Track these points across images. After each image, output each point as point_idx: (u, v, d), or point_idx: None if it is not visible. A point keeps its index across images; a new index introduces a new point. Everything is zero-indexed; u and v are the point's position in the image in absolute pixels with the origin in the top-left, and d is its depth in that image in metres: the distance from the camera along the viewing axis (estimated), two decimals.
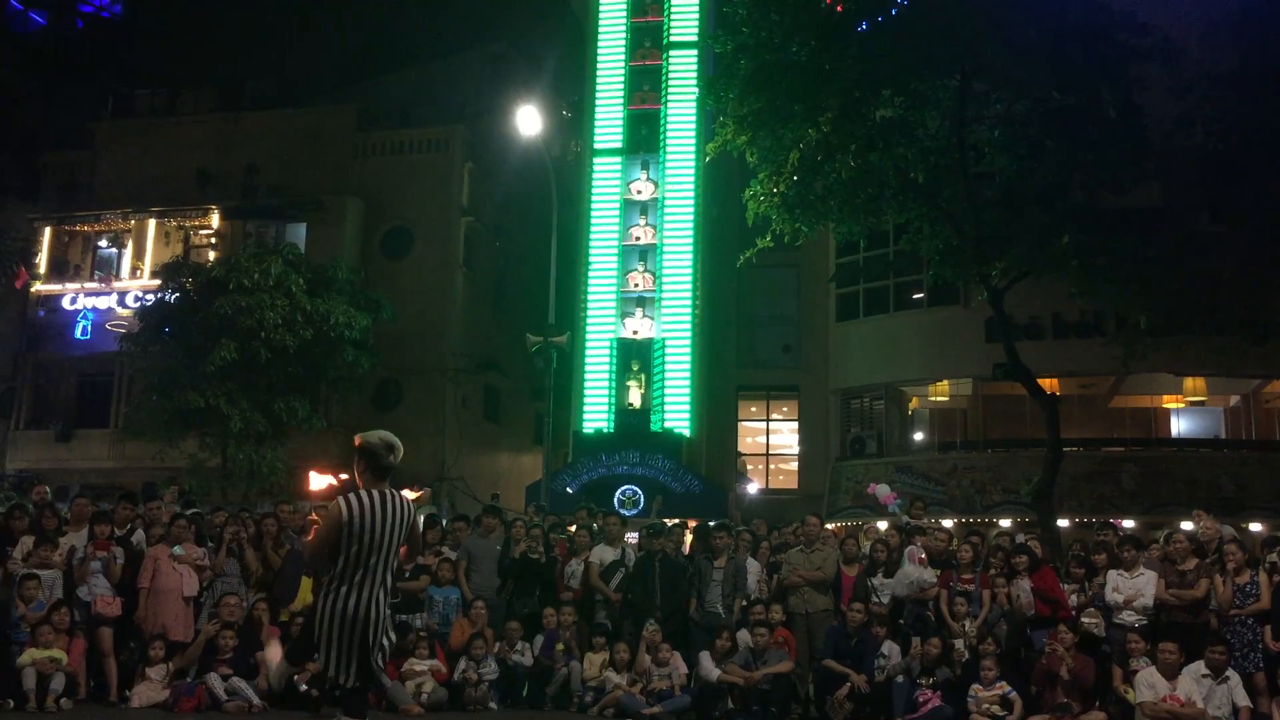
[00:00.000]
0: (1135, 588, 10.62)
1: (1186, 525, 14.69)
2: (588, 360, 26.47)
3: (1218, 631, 10.25)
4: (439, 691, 10.88)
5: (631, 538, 13.43)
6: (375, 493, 5.96)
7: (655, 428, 25.86)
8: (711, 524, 13.79)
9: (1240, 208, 17.79)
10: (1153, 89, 16.06)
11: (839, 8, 16.09)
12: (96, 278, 29.06)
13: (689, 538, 13.47)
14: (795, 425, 28.29)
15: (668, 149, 27.13)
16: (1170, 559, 10.85)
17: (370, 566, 5.86)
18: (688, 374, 26.24)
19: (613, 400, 26.28)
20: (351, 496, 5.93)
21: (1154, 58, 15.68)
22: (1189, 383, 24.23)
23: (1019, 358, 16.83)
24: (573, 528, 13.34)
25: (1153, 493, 22.41)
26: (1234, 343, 17.07)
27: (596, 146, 27.67)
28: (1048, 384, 19.03)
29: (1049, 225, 16.01)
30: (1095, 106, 15.34)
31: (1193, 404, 25.44)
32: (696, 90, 25.00)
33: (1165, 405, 25.86)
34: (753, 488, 23.03)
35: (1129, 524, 20.62)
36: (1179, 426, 26.17)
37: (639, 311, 26.58)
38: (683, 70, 27.29)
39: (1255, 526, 20.97)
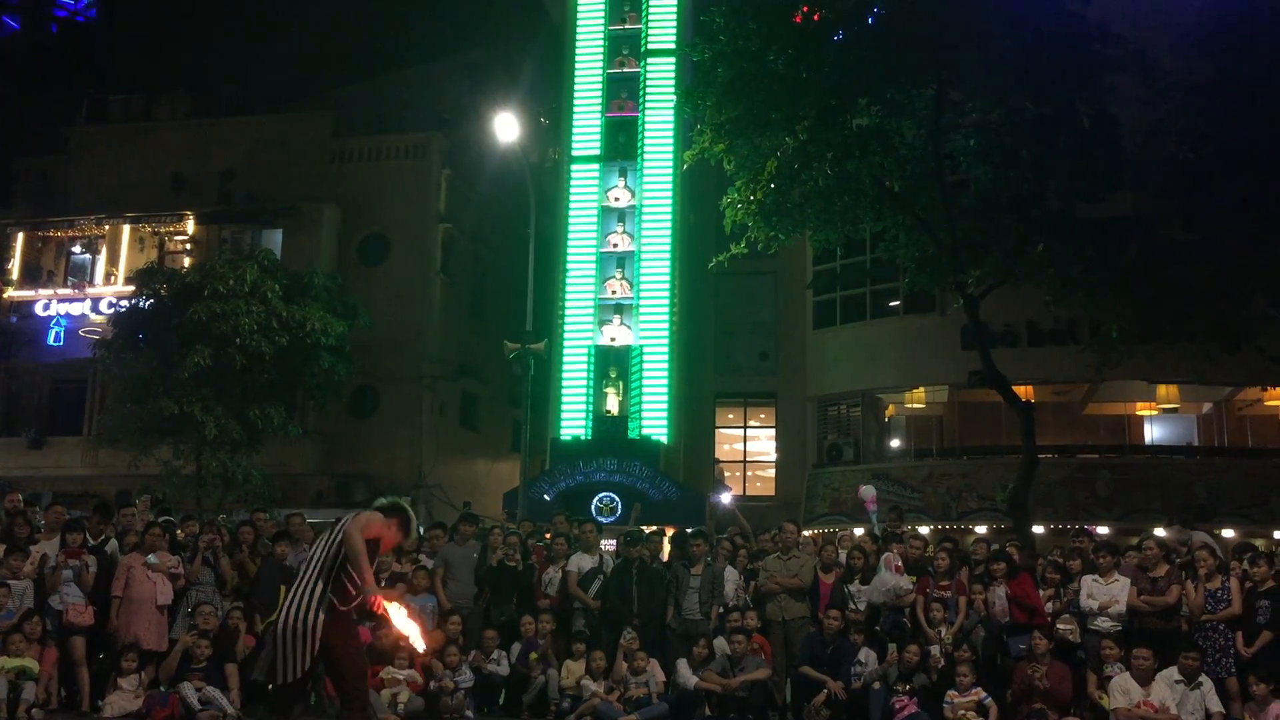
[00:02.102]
0: (1110, 594, 10.70)
1: (1160, 532, 14.82)
2: (565, 367, 26.44)
3: (1190, 637, 10.33)
4: (415, 701, 10.82)
5: (609, 545, 13.41)
6: None
7: (633, 435, 25.86)
8: (689, 531, 13.79)
9: (1213, 217, 17.94)
10: (1126, 99, 16.20)
11: (815, 16, 16.16)
12: (70, 284, 28.78)
13: (667, 545, 13.48)
14: (773, 432, 28.35)
15: (645, 156, 27.14)
16: (1142, 566, 10.93)
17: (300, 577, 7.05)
18: (665, 381, 26.25)
19: (590, 407, 26.26)
20: None
21: (1127, 68, 15.82)
22: (1162, 390, 24.42)
23: (994, 365, 16.92)
24: (549, 535, 13.31)
25: (1127, 499, 22.56)
26: (1206, 350, 17.20)
27: (574, 154, 27.67)
28: (1023, 391, 19.14)
29: (1024, 233, 16.11)
30: (1069, 116, 15.45)
31: (1166, 411, 25.64)
32: (674, 98, 25.04)
33: (1139, 412, 26.06)
34: (727, 497, 23.00)
35: (1103, 530, 20.77)
36: (1153, 433, 26.38)
37: (617, 318, 26.58)
38: (660, 78, 27.34)
39: (1227, 533, 21.15)
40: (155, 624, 10.86)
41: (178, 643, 10.82)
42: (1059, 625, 10.81)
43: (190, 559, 11.49)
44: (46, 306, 28.29)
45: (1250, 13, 16.98)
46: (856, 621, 11.24)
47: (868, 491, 18.78)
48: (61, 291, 28.55)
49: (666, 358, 26.33)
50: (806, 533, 15.79)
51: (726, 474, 27.65)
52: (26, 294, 28.57)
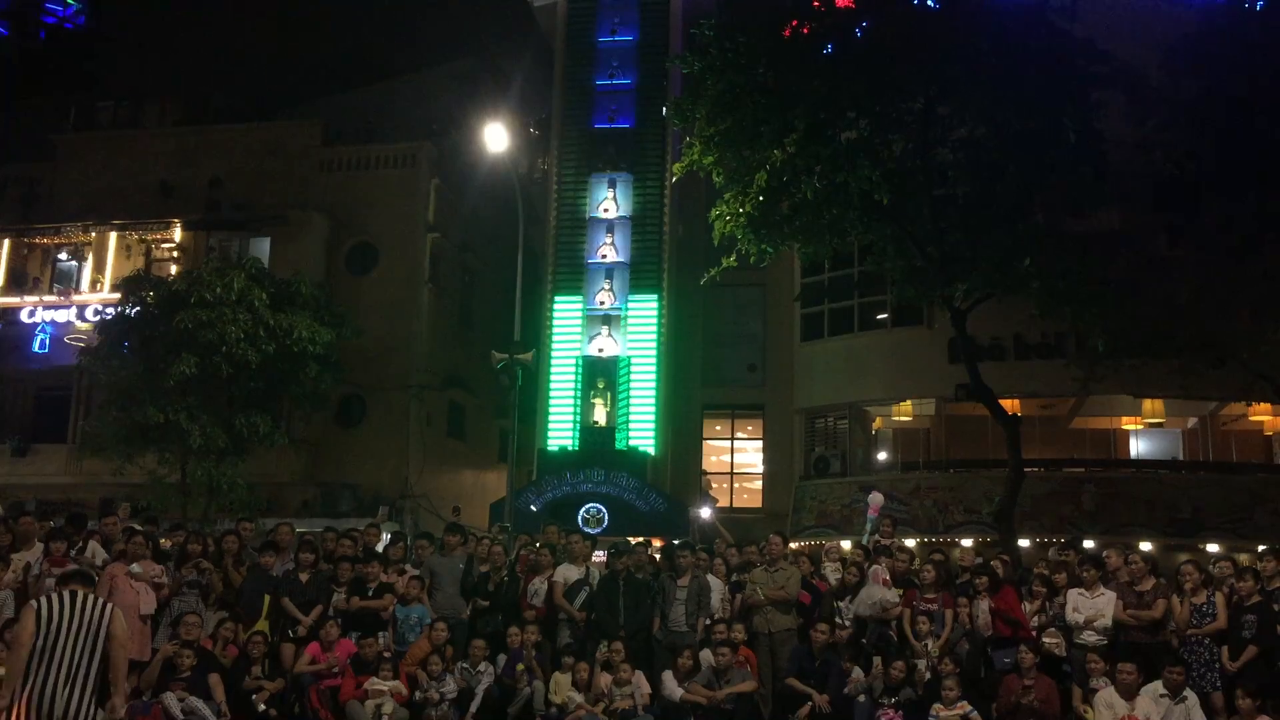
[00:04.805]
0: (1095, 608, 10.72)
1: (1146, 546, 14.88)
2: (553, 378, 26.41)
3: (1176, 652, 10.35)
4: (400, 712, 10.78)
5: (598, 556, 13.39)
6: (66, 594, 6.70)
7: (620, 446, 25.82)
8: (676, 542, 13.79)
9: (1197, 232, 18.08)
10: (1113, 115, 16.32)
11: (805, 30, 16.24)
12: (56, 291, 28.64)
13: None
14: (760, 444, 28.35)
15: (635, 168, 27.16)
16: (1129, 579, 10.96)
17: (59, 661, 6.51)
18: (653, 392, 26.23)
19: (578, 418, 26.22)
20: (43, 599, 6.75)
21: (1114, 84, 15.95)
22: (1148, 405, 24.50)
23: (981, 378, 16.98)
24: (537, 544, 13.28)
25: (1112, 513, 22.59)
26: (1191, 365, 17.32)
27: (563, 164, 27.68)
28: (1009, 405, 19.20)
29: (1011, 247, 16.21)
30: (1056, 131, 15.56)
31: (1151, 426, 25.71)
32: (664, 110, 25.08)
33: (1124, 426, 26.13)
34: (706, 511, 23.03)
35: (1089, 544, 20.81)
36: (1138, 448, 26.46)
37: (605, 329, 26.56)
38: (650, 90, 27.37)
39: (1212, 547, 21.21)
40: (137, 633, 10.75)
41: (158, 652, 10.76)
42: (1044, 639, 10.82)
43: (175, 568, 11.43)
44: (32, 313, 28.14)
45: (1236, 31, 17.14)
46: (841, 641, 11.24)
47: (876, 499, 18.73)
48: (47, 298, 28.40)
49: (654, 369, 26.31)
50: (793, 545, 15.80)
51: (714, 486, 27.64)
52: (12, 300, 28.41)
